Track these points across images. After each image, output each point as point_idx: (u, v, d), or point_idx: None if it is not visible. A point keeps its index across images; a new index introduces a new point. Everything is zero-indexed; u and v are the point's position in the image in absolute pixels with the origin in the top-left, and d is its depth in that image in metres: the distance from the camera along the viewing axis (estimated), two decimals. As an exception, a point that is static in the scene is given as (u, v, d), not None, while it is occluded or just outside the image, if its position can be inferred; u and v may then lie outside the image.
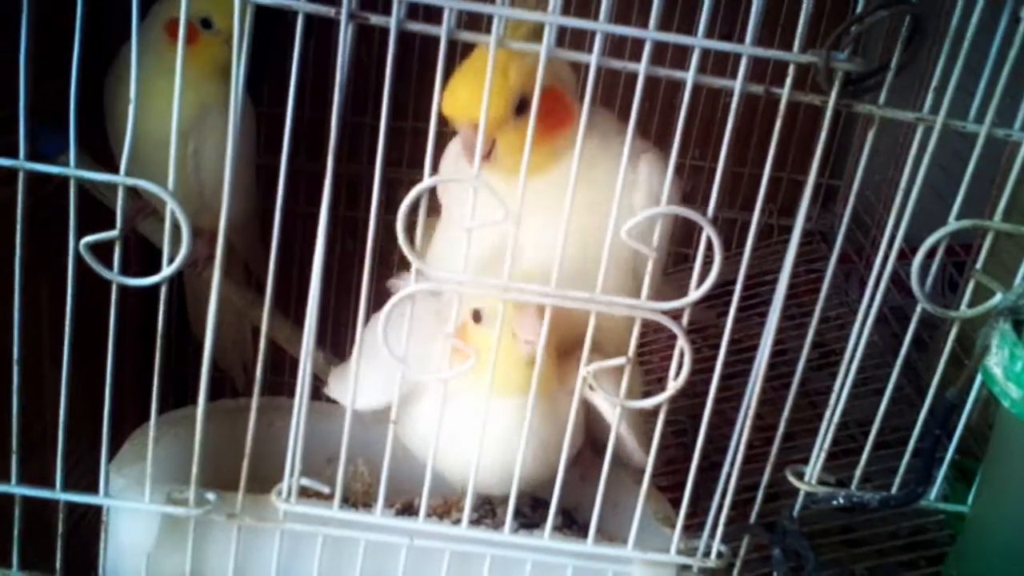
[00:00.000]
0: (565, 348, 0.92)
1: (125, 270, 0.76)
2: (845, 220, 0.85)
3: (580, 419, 0.88)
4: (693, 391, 1.15)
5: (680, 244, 1.61)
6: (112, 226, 0.76)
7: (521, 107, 0.88)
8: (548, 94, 0.85)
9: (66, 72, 0.73)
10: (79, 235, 0.75)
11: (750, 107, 0.76)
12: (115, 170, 0.77)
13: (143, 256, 1.34)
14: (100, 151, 1.16)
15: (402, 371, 0.80)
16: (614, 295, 0.78)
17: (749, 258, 0.80)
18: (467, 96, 0.85)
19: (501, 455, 0.88)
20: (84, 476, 0.83)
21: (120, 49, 1.26)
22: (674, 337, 0.78)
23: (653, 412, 0.83)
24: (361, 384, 0.83)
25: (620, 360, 0.80)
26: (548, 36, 0.72)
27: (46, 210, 0.86)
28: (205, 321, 1.48)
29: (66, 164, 0.76)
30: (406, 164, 1.55)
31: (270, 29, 0.77)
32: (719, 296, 0.87)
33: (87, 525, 0.90)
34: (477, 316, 0.88)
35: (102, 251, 0.76)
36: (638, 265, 0.93)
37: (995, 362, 0.73)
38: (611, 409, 0.86)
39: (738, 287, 0.80)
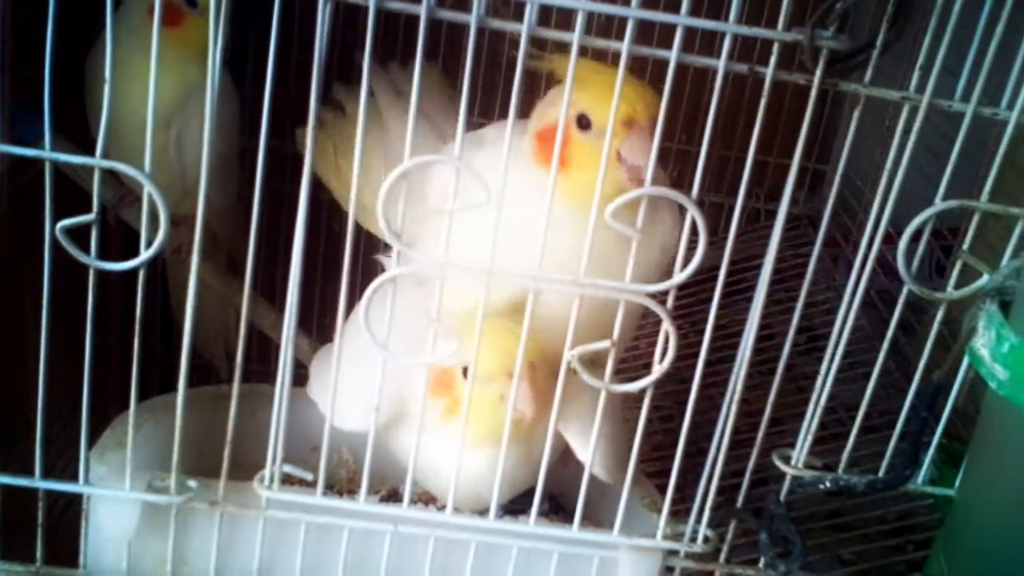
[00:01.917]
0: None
1: (107, 256, 0.75)
2: (830, 203, 0.84)
3: (557, 447, 0.89)
4: (680, 377, 1.15)
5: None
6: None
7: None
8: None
9: (44, 57, 0.72)
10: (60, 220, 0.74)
11: (738, 90, 0.75)
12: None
13: (126, 242, 1.33)
14: (84, 137, 1.15)
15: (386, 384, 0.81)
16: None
17: (734, 243, 0.80)
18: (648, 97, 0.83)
19: (475, 490, 0.88)
20: (69, 464, 0.82)
21: (101, 33, 1.25)
22: (659, 323, 0.78)
23: (637, 400, 0.82)
24: (342, 401, 0.82)
25: (604, 343, 0.79)
26: (529, 14, 0.71)
27: (29, 196, 0.85)
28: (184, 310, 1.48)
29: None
30: None
31: (253, 9, 0.76)
32: (706, 281, 0.87)
33: (73, 514, 0.89)
34: (466, 371, 0.86)
35: (85, 237, 0.75)
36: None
37: (982, 343, 0.73)
38: (584, 443, 0.86)
39: (723, 271, 0.79)
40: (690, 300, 1.45)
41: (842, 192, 1.77)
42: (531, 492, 1.01)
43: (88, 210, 0.76)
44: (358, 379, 0.82)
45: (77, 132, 1.08)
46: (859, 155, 1.70)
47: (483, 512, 0.94)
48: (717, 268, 0.79)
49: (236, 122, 1.32)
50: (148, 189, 0.74)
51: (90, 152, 0.76)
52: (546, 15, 0.72)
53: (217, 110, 1.25)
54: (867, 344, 1.39)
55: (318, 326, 1.36)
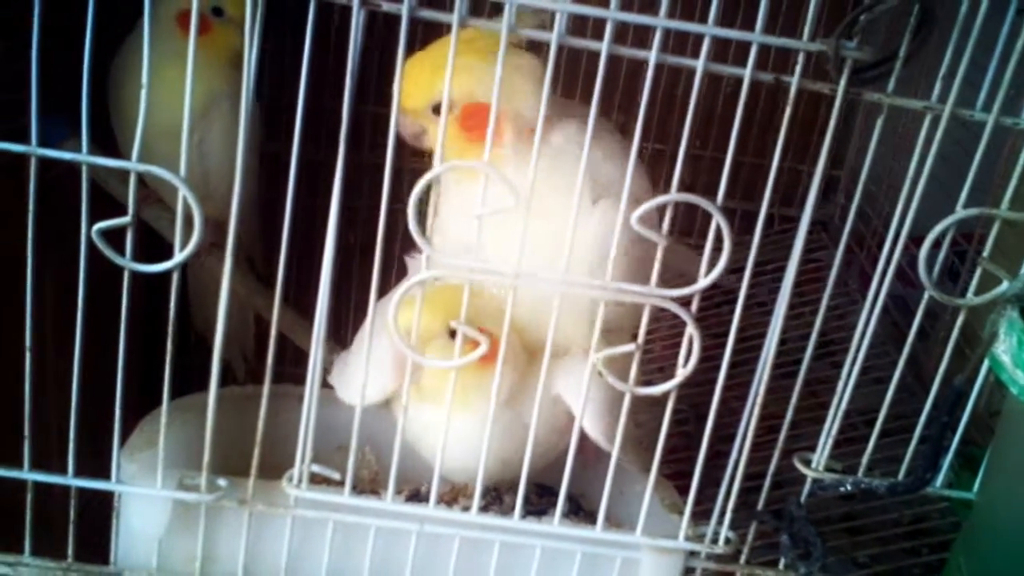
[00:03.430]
0: (531, 352, 0.94)
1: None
2: (853, 209, 0.85)
3: (555, 417, 0.93)
4: (693, 380, 1.16)
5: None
6: (114, 214, 0.76)
7: (437, 110, 0.91)
8: (473, 108, 0.89)
9: (69, 59, 0.73)
10: (76, 222, 0.75)
11: (751, 96, 0.76)
12: (117, 159, 0.78)
13: (143, 244, 1.34)
14: (100, 140, 1.16)
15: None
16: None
17: (743, 248, 0.81)
18: (401, 81, 0.86)
19: (463, 458, 0.89)
20: (82, 463, 0.83)
21: (126, 39, 1.26)
22: (675, 327, 0.79)
23: (657, 402, 0.84)
24: (358, 379, 0.83)
25: (630, 347, 0.80)
26: (559, 23, 0.73)
27: (48, 198, 0.86)
28: (206, 310, 1.49)
29: (72, 151, 0.77)
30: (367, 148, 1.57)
31: (268, 18, 0.77)
32: (717, 286, 0.88)
33: (91, 512, 0.90)
34: (452, 333, 0.88)
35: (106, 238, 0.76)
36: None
37: (1003, 349, 0.74)
38: (577, 404, 0.86)
39: (747, 276, 0.80)
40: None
41: (853, 196, 1.78)
42: (552, 492, 1.03)
43: (101, 209, 0.77)
44: (371, 356, 0.84)
45: (96, 137, 1.09)
46: (872, 162, 1.72)
47: (496, 504, 0.96)
48: (730, 272, 0.80)
49: (257, 127, 1.34)
50: (183, 192, 0.76)
51: (107, 154, 0.77)
52: (579, 23, 0.73)
53: (239, 115, 1.28)
54: (880, 349, 1.39)
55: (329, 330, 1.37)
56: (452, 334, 0.88)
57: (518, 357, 0.91)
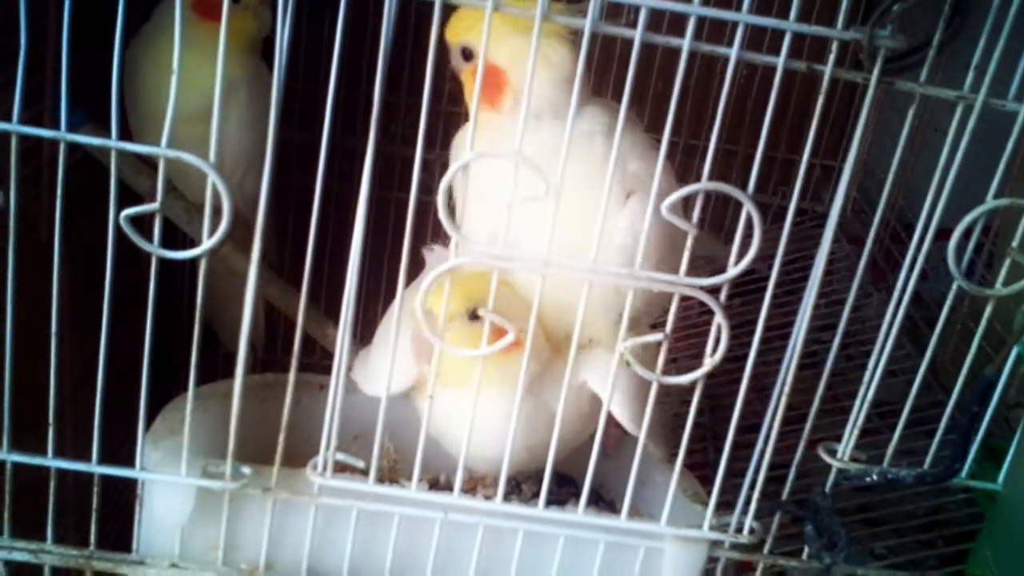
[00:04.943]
0: (552, 340, 0.94)
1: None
2: (882, 203, 0.85)
3: (580, 404, 0.93)
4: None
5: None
6: (125, 205, 0.76)
7: (467, 56, 0.95)
8: (487, 67, 0.88)
9: (84, 47, 0.73)
10: (86, 210, 0.75)
11: (785, 91, 0.75)
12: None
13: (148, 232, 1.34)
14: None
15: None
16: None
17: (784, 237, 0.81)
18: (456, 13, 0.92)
19: (487, 445, 0.89)
20: (85, 449, 0.83)
21: (141, 28, 1.25)
22: (686, 318, 0.79)
23: (668, 392, 0.84)
24: (383, 368, 0.83)
25: (658, 336, 0.80)
26: (592, 9, 0.72)
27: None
28: (216, 300, 1.48)
29: (88, 135, 0.77)
30: (399, 140, 1.60)
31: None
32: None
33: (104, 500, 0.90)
34: (475, 315, 0.88)
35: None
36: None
37: (1034, 341, 0.74)
38: (604, 391, 0.86)
39: (775, 269, 0.80)
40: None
41: (867, 188, 1.78)
42: (572, 482, 1.03)
43: (100, 199, 0.77)
44: (392, 346, 0.84)
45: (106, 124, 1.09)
46: (883, 152, 1.72)
47: (516, 493, 0.95)
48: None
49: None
50: (212, 179, 0.75)
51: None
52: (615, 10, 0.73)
53: (256, 102, 1.27)
54: (895, 341, 1.39)
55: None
56: (471, 316, 0.88)
57: (541, 345, 0.91)
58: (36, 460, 0.83)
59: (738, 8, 0.72)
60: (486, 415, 0.85)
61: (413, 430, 0.86)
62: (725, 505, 0.88)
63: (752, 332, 0.81)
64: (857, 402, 0.85)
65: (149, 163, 1.21)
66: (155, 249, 0.76)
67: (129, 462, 0.85)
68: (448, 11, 0.73)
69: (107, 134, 0.76)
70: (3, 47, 0.79)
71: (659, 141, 0.77)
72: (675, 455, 0.87)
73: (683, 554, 0.88)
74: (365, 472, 0.84)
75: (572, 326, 0.82)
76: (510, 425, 0.83)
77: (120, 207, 0.75)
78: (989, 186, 0.79)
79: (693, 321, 1.43)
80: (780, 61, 0.73)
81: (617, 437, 1.03)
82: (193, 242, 1.25)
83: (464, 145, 0.93)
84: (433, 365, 0.84)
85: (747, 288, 1.35)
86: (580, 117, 0.92)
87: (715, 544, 0.88)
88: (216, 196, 0.75)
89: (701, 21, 0.72)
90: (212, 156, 0.76)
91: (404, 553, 0.87)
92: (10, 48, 0.74)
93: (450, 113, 1.50)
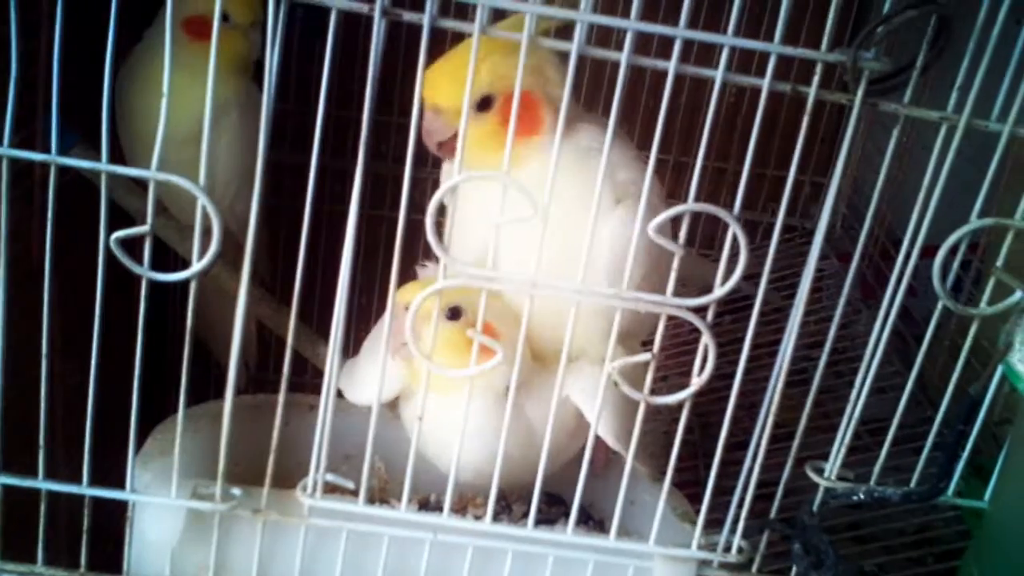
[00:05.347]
0: (543, 355, 0.95)
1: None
2: (868, 219, 0.85)
3: (563, 418, 0.93)
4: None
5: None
6: (117, 224, 0.76)
7: (484, 104, 0.90)
8: (521, 99, 0.84)
9: (73, 67, 0.73)
10: (75, 232, 0.75)
11: (773, 110, 0.76)
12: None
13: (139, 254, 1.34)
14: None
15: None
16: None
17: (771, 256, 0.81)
18: (433, 81, 0.88)
19: (468, 450, 0.88)
20: (77, 470, 0.83)
21: (132, 49, 1.26)
22: (676, 335, 0.79)
23: (657, 410, 0.84)
24: (364, 379, 0.84)
25: (645, 356, 0.80)
26: (579, 33, 0.73)
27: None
28: (210, 318, 1.48)
29: (78, 158, 0.77)
30: (391, 159, 1.58)
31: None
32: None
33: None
34: (455, 313, 0.89)
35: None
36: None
37: (1018, 359, 0.74)
38: (588, 408, 0.88)
39: (762, 287, 0.81)
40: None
41: (856, 205, 1.79)
42: (561, 501, 1.03)
43: (91, 220, 0.77)
44: (374, 365, 0.85)
45: (97, 145, 1.09)
46: (872, 169, 1.72)
47: (506, 513, 0.96)
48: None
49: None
50: (202, 201, 0.75)
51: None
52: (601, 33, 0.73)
53: (247, 123, 1.28)
54: (882, 358, 1.39)
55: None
56: (451, 314, 0.90)
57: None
58: (27, 482, 0.83)
59: (724, 31, 0.73)
60: (460, 417, 0.85)
61: (403, 450, 0.86)
62: (714, 523, 0.88)
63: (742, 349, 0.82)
64: (844, 420, 0.85)
65: (141, 183, 1.21)
66: (145, 271, 0.76)
67: (120, 483, 0.85)
68: (433, 55, 0.72)
69: (98, 155, 0.76)
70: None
71: (648, 158, 0.78)
72: (664, 473, 0.87)
73: (671, 573, 0.88)
74: (355, 493, 0.84)
75: (557, 337, 0.82)
76: (484, 429, 0.86)
77: (112, 226, 0.76)
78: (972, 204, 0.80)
79: (684, 338, 1.43)
80: (765, 83, 0.74)
81: (604, 458, 1.04)
82: (186, 262, 1.26)
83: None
84: (416, 367, 0.85)
85: (737, 305, 1.36)
86: (578, 134, 0.92)
87: (703, 563, 0.88)
88: (206, 218, 0.75)
89: (688, 43, 0.73)
90: (202, 179, 0.76)
91: (394, 573, 0.88)
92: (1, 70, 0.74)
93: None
